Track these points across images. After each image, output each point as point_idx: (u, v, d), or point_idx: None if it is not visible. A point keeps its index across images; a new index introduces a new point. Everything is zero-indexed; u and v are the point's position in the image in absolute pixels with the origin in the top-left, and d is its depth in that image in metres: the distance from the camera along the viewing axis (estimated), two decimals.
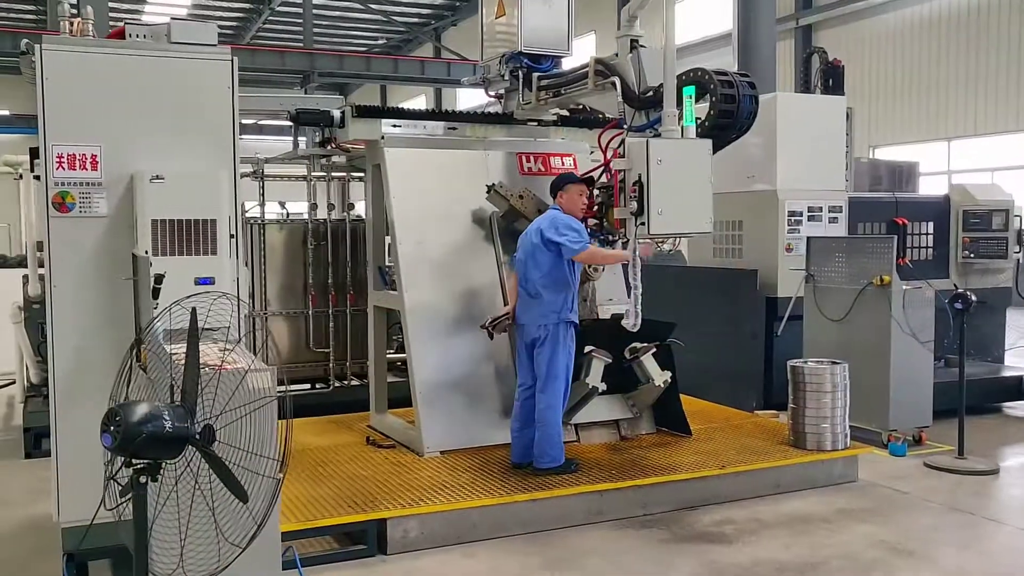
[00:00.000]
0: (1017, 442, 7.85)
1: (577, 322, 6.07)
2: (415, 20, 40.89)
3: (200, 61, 4.72)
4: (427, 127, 7.18)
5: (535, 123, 7.47)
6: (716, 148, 5.67)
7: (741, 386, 8.91)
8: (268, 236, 8.16)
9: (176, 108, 4.69)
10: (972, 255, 9.68)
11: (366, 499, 5.39)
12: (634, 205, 5.12)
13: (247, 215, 8.20)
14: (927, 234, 9.78)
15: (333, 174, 8.39)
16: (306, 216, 8.31)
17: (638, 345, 6.67)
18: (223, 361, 3.32)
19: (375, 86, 48.43)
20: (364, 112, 6.94)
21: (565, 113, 7.69)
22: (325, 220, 8.36)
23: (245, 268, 4.85)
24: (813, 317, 8.15)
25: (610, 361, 6.49)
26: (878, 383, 7.51)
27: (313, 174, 8.22)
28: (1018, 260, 9.59)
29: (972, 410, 8.69)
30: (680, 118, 5.41)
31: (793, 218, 8.95)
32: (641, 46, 6.17)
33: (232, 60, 4.81)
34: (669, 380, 6.70)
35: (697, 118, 5.53)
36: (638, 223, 5.12)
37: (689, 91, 5.30)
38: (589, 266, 6.52)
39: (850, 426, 7.75)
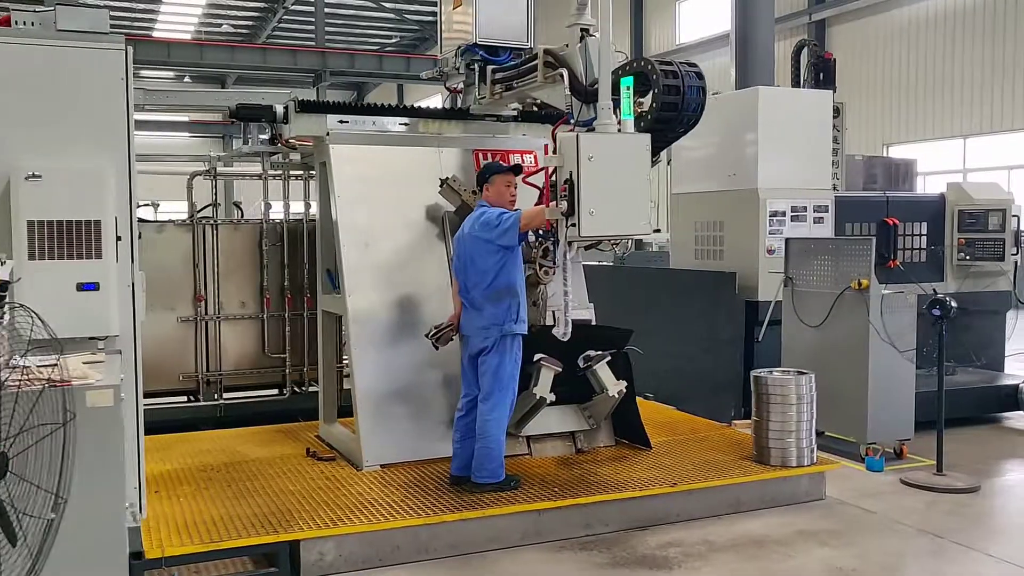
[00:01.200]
0: (1006, 456, 7.39)
1: (524, 331, 5.69)
2: (430, 18, 40.67)
3: (89, 50, 4.40)
4: (377, 123, 6.84)
5: (493, 119, 7.11)
6: (663, 144, 5.32)
7: (720, 395, 8.51)
8: (222, 237, 7.86)
9: (62, 101, 4.38)
10: (968, 257, 9.21)
11: (285, 518, 5.06)
12: (564, 205, 4.75)
13: (200, 215, 7.91)
14: (921, 235, 9.32)
15: (291, 173, 8.06)
16: (261, 216, 8.00)
17: (592, 353, 6.30)
18: (56, 375, 2.99)
19: (392, 85, 48.37)
20: (308, 107, 6.62)
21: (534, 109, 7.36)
22: (281, 221, 8.04)
23: (141, 272, 4.50)
24: (791, 322, 7.74)
25: (560, 370, 6.12)
26: (856, 393, 7.09)
27: (270, 173, 7.91)
28: (1016, 263, 9.10)
29: (966, 421, 8.31)
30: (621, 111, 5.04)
31: (775, 218, 8.53)
32: (591, 35, 5.80)
33: (126, 50, 4.49)
34: (624, 390, 6.32)
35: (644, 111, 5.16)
36: (568, 224, 4.75)
37: (627, 82, 4.93)
38: (540, 269, 6.15)
39: (828, 438, 7.42)
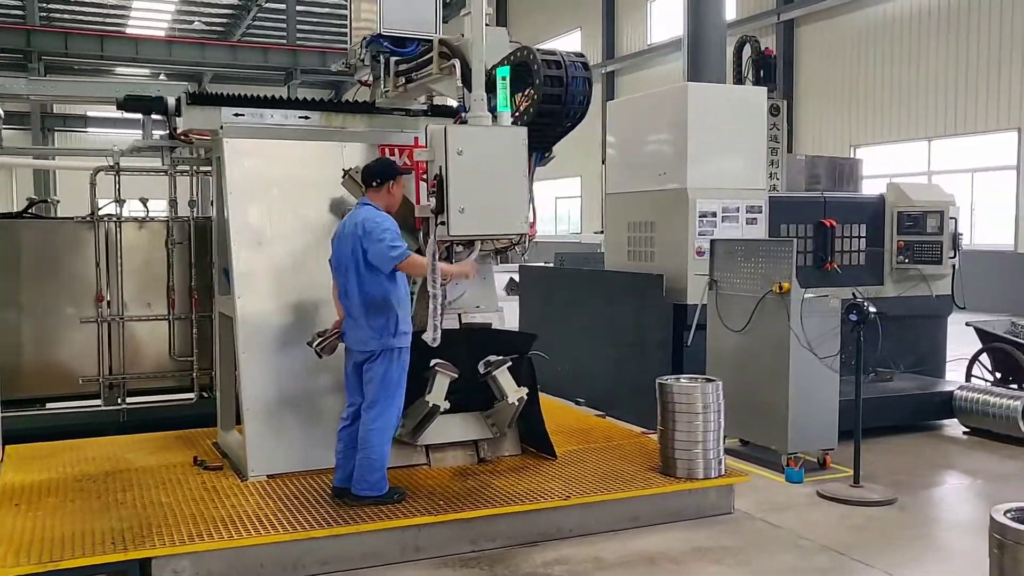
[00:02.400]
0: (934, 466, 7.13)
1: (406, 344, 5.39)
2: None
3: None
4: (275, 116, 6.53)
5: (402, 113, 6.82)
6: (551, 138, 5.05)
7: (649, 401, 8.18)
8: (125, 235, 7.54)
9: None
10: (907, 260, 8.98)
11: (142, 533, 4.75)
12: (433, 202, 4.46)
13: (102, 213, 7.58)
14: (860, 237, 9.08)
15: (201, 168, 7.75)
16: (167, 214, 7.69)
17: (493, 358, 6.02)
18: None
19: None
20: (200, 99, 6.32)
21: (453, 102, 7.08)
22: (189, 218, 7.73)
23: None
24: (716, 327, 7.48)
25: (456, 376, 5.84)
26: (777, 401, 6.84)
27: (178, 168, 7.59)
28: (954, 266, 8.86)
29: (900, 429, 8.08)
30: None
31: (705, 219, 8.26)
32: (487, 24, 5.51)
33: None
34: (525, 397, 6.05)
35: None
36: (438, 222, 4.46)
37: (503, 72, 4.66)
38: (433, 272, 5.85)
39: (755, 447, 7.16)
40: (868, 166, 21.39)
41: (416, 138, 4.62)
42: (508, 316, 10.97)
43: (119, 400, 7.54)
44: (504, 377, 6.01)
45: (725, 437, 7.50)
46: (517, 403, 6.00)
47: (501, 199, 4.50)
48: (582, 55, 4.89)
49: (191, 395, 7.73)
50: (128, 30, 40.44)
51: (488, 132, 4.54)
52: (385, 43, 6.50)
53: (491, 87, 5.19)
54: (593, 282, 9.40)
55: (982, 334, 8.85)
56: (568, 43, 32.71)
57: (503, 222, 4.53)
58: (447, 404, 5.80)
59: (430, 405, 5.76)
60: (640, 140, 8.96)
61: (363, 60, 6.72)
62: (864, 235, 9.08)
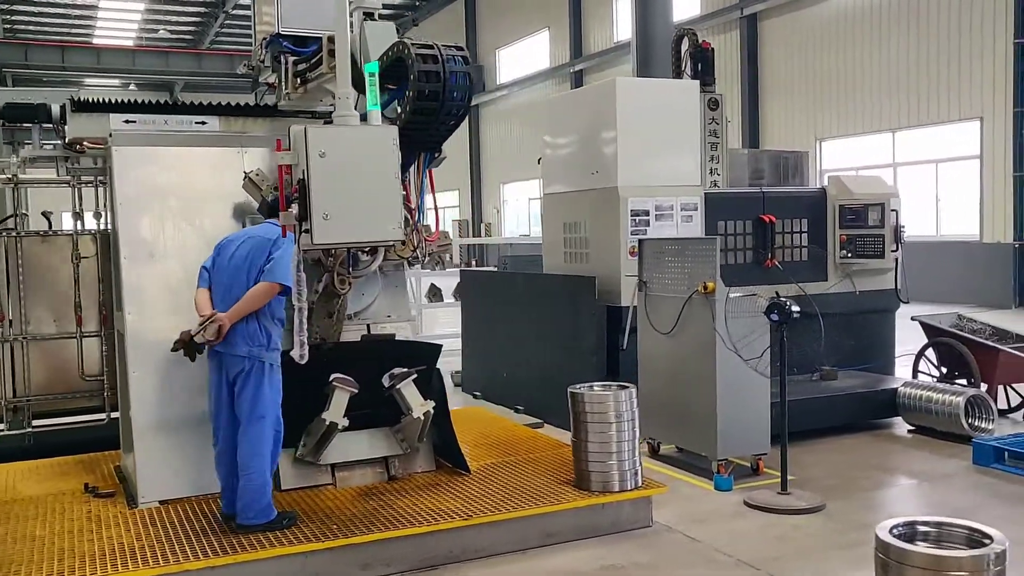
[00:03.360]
0: (871, 467, 6.86)
1: (276, 360, 5.09)
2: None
3: None
4: (169, 122, 6.22)
5: (308, 115, 6.52)
6: (434, 138, 4.75)
7: None
8: (27, 249, 7.20)
9: None
10: (849, 255, 8.72)
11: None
12: (296, 208, 4.16)
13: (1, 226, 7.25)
14: (801, 232, 8.82)
15: (101, 179, 7.40)
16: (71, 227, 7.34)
17: (397, 371, 5.73)
18: None
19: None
20: (85, 106, 6.00)
21: None
22: (95, 231, 7.39)
23: None
24: (645, 329, 7.21)
25: (355, 392, 5.55)
26: (706, 406, 6.57)
27: (82, 179, 7.24)
28: (896, 259, 8.61)
29: (844, 429, 7.83)
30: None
31: (637, 218, 7.99)
32: (374, 20, 5.23)
33: None
34: (432, 411, 5.76)
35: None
36: (302, 230, 4.16)
37: (371, 68, 4.36)
38: (336, 278, 5.56)
39: (690, 454, 6.90)
40: (834, 159, 21.34)
41: (279, 140, 4.31)
42: (450, 321, 10.64)
43: (24, 424, 7.20)
44: (409, 390, 5.72)
45: (660, 444, 7.30)
46: (423, 417, 5.71)
47: (370, 204, 4.19)
48: (462, 48, 4.60)
49: (103, 416, 7.38)
50: (95, 40, 40.06)
51: (353, 132, 4.25)
52: (285, 43, 6.20)
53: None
54: (527, 286, 9.11)
55: (927, 328, 8.61)
56: (537, 43, 32.48)
57: (372, 228, 4.22)
58: (346, 422, 5.51)
59: (327, 423, 5.46)
60: (573, 138, 8.69)
61: (263, 61, 6.43)
62: (806, 230, 8.83)
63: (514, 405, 8.95)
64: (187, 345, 4.98)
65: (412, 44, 4.47)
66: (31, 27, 37.98)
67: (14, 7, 35.17)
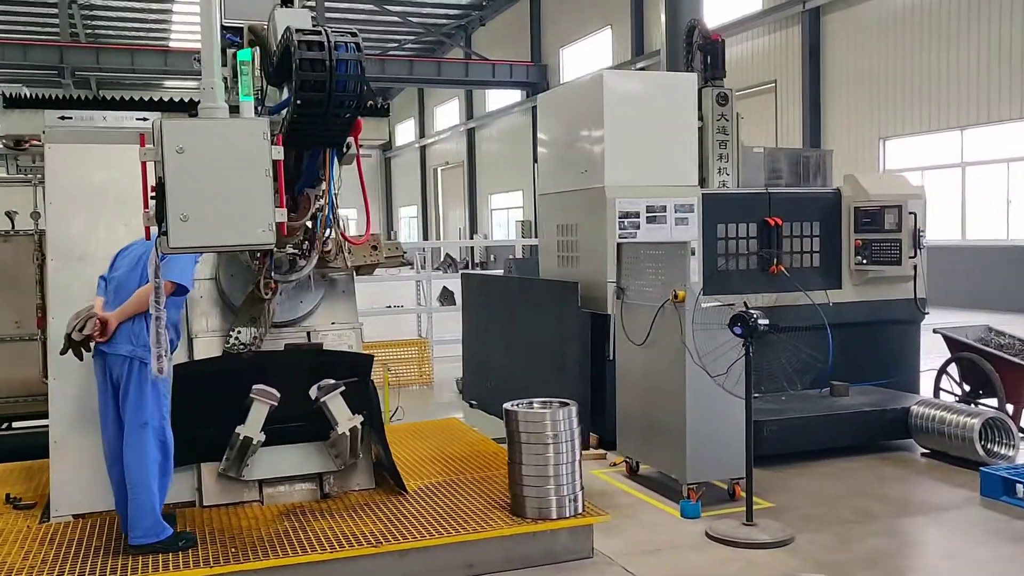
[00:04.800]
0: (862, 495, 6.19)
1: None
2: (443, 20, 39.99)
3: None
4: (108, 119, 5.96)
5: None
6: (332, 133, 4.34)
7: None
8: None
9: None
10: (865, 261, 8.04)
11: None
12: (154, 208, 3.82)
13: None
14: (812, 236, 8.17)
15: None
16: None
17: (325, 383, 5.37)
18: None
19: (414, 90, 47.90)
20: (16, 102, 5.78)
21: None
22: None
23: None
24: (621, 340, 6.72)
25: (275, 404, 5.21)
26: (676, 425, 6.05)
27: (40, 177, 7.08)
28: (915, 266, 7.89)
29: (850, 450, 7.20)
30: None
31: (627, 220, 7.48)
32: (291, 4, 4.88)
33: None
34: (360, 426, 5.37)
35: None
36: (160, 232, 3.82)
37: (244, 55, 4.02)
38: (261, 285, 5.22)
39: (664, 475, 6.40)
40: (897, 159, 20.27)
41: (143, 135, 3.98)
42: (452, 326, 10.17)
43: None
44: (335, 404, 5.35)
45: (639, 463, 6.78)
46: (349, 433, 5.34)
47: (236, 204, 3.82)
48: (355, 34, 4.20)
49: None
50: (171, 44, 40.89)
51: (217, 126, 3.88)
52: (228, 35, 5.88)
53: (279, 77, 4.56)
54: (515, 291, 8.67)
55: (950, 342, 7.87)
56: (599, 41, 31.89)
57: (238, 231, 3.85)
58: (262, 436, 5.18)
59: (241, 437, 5.13)
60: (565, 136, 8.21)
61: None
62: (818, 234, 8.18)
63: (500, 414, 8.50)
64: (71, 343, 4.70)
65: (297, 30, 4.09)
66: (110, 32, 38.94)
67: (94, 12, 36.16)
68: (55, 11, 32.24)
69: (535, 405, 5.39)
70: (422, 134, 48.36)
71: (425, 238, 47.99)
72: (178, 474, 5.38)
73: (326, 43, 4.07)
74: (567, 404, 5.27)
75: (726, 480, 6.21)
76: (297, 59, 4.02)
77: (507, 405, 5.31)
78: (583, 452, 7.30)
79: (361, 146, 7.14)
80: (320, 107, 4.13)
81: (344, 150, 4.66)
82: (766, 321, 5.44)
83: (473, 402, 9.34)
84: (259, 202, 3.86)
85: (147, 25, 38.88)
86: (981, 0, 17.92)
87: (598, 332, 7.43)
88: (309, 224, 5.08)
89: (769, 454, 7.00)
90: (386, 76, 35.43)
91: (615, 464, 7.07)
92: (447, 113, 45.36)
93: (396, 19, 37.11)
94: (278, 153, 3.98)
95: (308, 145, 4.46)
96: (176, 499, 5.34)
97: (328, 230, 5.10)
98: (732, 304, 6.06)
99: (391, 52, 38.47)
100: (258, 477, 5.49)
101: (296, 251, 5.26)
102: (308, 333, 5.84)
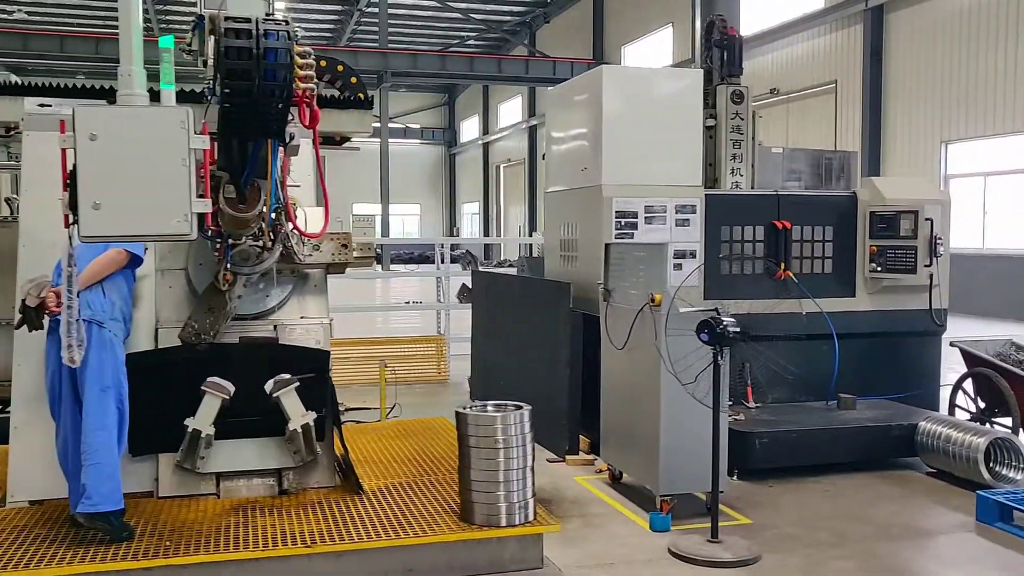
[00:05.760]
0: (848, 517, 5.87)
1: (119, 332, 4.78)
2: (507, 17, 39.95)
3: None
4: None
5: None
6: (268, 123, 4.24)
7: (558, 423, 7.27)
8: None
9: None
10: (879, 268, 7.67)
11: None
12: (67, 196, 3.77)
13: None
14: (825, 241, 7.82)
15: None
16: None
17: (282, 377, 5.29)
18: None
19: (479, 87, 47.99)
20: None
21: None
22: None
23: None
24: (605, 343, 6.51)
25: (228, 397, 5.16)
26: (651, 434, 5.82)
27: None
28: (931, 276, 7.49)
29: (853, 466, 6.88)
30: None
31: (624, 220, 7.25)
32: None
33: None
34: (312, 423, 5.28)
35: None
36: (72, 220, 3.76)
37: (165, 42, 3.93)
38: (219, 276, 5.16)
39: (639, 484, 6.18)
40: (959, 163, 19.51)
41: (62, 122, 3.92)
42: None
43: None
44: (289, 399, 5.27)
45: (622, 472, 6.57)
46: (299, 430, 5.25)
47: (150, 193, 3.75)
48: (286, 21, 4.09)
49: None
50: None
51: (131, 113, 3.81)
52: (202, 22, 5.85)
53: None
54: (517, 291, 8.48)
55: (967, 356, 7.46)
56: (661, 39, 31.44)
57: (152, 221, 3.77)
58: (212, 430, 5.12)
59: (190, 430, 5.08)
60: (568, 133, 8.01)
61: (190, 44, 6.09)
62: (831, 239, 7.83)
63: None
64: (25, 311, 4.70)
65: (223, 17, 4.00)
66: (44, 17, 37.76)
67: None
68: None
69: (489, 408, 5.21)
70: (486, 131, 48.37)
71: (486, 235, 48.08)
72: (137, 464, 5.41)
73: (254, 31, 3.96)
74: (521, 407, 5.09)
75: (706, 492, 5.96)
76: (223, 47, 3.93)
77: (458, 408, 5.15)
78: (571, 458, 7.21)
79: (348, 139, 7.10)
80: (249, 97, 4.03)
81: (288, 140, 4.54)
82: (737, 328, 5.19)
83: (477, 402, 9.19)
84: (175, 192, 3.78)
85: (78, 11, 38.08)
86: None
87: (592, 334, 7.22)
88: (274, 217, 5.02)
89: (762, 468, 6.74)
90: (446, 72, 35.55)
91: (601, 471, 6.87)
92: (510, 110, 45.29)
93: (458, 15, 37.17)
94: (202, 142, 3.90)
95: (246, 135, 4.37)
96: (135, 489, 5.32)
97: (285, 222, 5.01)
98: (715, 309, 5.81)
99: (452, 48, 38.56)
100: (215, 470, 5.44)
101: (257, 244, 5.19)
102: (275, 327, 5.77)
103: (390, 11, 35.85)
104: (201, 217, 4.01)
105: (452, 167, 55.21)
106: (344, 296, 19.33)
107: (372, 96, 6.60)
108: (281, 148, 4.59)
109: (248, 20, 4.01)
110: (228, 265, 5.09)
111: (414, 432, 7.19)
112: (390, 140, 36.96)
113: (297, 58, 4.68)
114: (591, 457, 7.20)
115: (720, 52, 8.50)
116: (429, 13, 37.93)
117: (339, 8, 39.09)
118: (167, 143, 3.78)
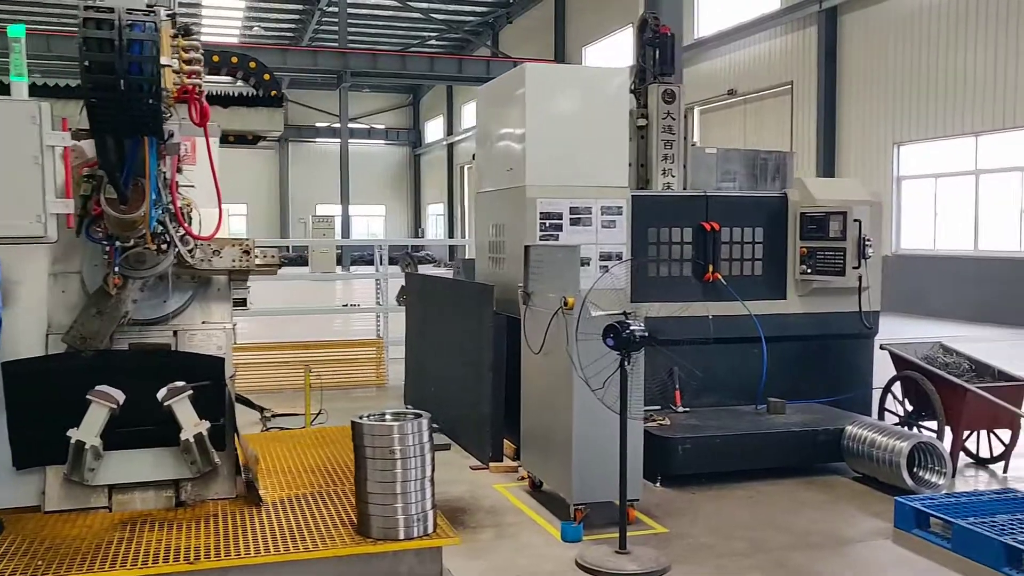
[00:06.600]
0: (765, 525, 5.76)
1: None
2: (470, 17, 39.75)
3: None
4: None
5: None
6: (141, 118, 4.03)
7: (482, 429, 7.09)
8: None
9: None
10: (809, 270, 7.58)
11: None
12: None
13: None
14: (755, 243, 7.72)
15: None
16: None
17: (175, 385, 5.07)
18: None
19: (443, 88, 47.73)
20: None
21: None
22: None
23: None
24: (524, 348, 6.35)
25: (116, 406, 4.92)
26: (564, 442, 5.67)
27: None
28: (860, 278, 7.40)
29: (782, 472, 6.78)
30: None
31: (548, 221, 7.10)
32: None
33: None
34: (206, 432, 5.07)
35: None
36: None
37: (15, 31, 3.70)
38: (107, 278, 4.94)
39: (552, 495, 6.03)
40: (912, 165, 19.59)
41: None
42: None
43: None
44: (181, 408, 5.04)
45: (542, 481, 6.41)
46: (194, 440, 5.03)
47: (6, 192, 3.54)
48: (153, 11, 3.89)
49: None
50: (203, 38, 40.97)
51: None
52: None
53: None
54: (444, 293, 8.30)
55: (896, 359, 7.38)
56: (620, 41, 31.39)
57: (8, 222, 3.56)
58: (98, 441, 4.89)
59: (73, 441, 4.85)
60: (496, 132, 7.85)
61: None
62: (761, 240, 7.72)
63: (432, 424, 8.15)
64: None
65: (83, 6, 3.79)
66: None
67: None
68: None
69: (387, 416, 5.03)
70: (450, 132, 48.15)
71: (451, 236, 47.85)
72: (23, 476, 5.16)
73: (117, 22, 3.75)
74: (420, 416, 4.92)
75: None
76: (81, 38, 3.72)
77: (354, 418, 4.96)
78: (494, 465, 7.04)
79: (263, 138, 6.88)
80: (113, 91, 3.82)
81: (167, 137, 4.33)
82: (644, 332, 5.05)
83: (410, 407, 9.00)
84: (26, 191, 3.56)
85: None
86: (1000, 2, 17.20)
87: (519, 337, 7.06)
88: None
89: (686, 474, 6.62)
90: (406, 72, 35.29)
91: (523, 478, 6.71)
92: (474, 111, 45.01)
93: (419, 16, 36.95)
94: (60, 139, 3.69)
95: (117, 132, 4.15)
96: (20, 503, 5.09)
97: (173, 225, 4.81)
98: (627, 313, 5.66)
99: (412, 49, 38.32)
100: (106, 482, 5.21)
101: (151, 247, 4.97)
102: (175, 332, 5.55)
103: (351, 11, 35.59)
104: (63, 218, 3.79)
105: (417, 168, 54.93)
106: (305, 298, 19.10)
107: (284, 95, 6.40)
108: (162, 146, 4.38)
109: (111, 10, 3.80)
110: (116, 268, 4.88)
111: (332, 440, 6.99)
112: (353, 141, 36.73)
113: (182, 52, 4.49)
114: (515, 464, 7.05)
115: (653, 51, 8.38)
116: (390, 13, 37.69)
117: (300, 8, 38.77)
118: (15, 139, 3.56)
